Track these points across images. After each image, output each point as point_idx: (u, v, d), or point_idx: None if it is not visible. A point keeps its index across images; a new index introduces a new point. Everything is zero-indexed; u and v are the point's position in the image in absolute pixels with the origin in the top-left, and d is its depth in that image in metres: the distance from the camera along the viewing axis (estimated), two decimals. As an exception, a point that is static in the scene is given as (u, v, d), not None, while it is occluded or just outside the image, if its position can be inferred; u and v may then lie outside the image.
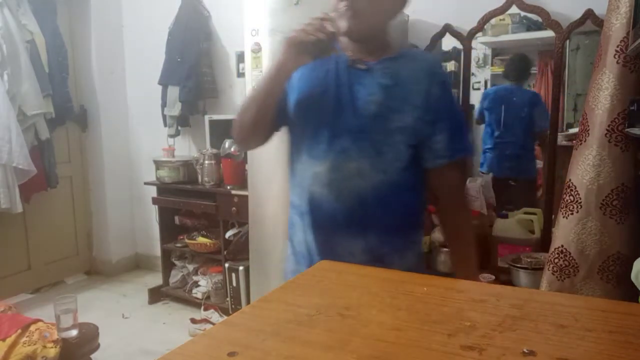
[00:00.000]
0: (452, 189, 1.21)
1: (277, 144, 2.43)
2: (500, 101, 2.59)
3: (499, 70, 2.69)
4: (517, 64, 2.62)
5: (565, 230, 1.63)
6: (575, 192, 1.60)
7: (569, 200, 1.61)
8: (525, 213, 2.25)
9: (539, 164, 2.69)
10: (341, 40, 1.13)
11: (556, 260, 1.64)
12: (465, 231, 1.24)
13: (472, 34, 2.33)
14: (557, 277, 1.65)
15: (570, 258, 1.61)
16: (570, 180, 1.63)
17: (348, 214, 1.11)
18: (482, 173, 2.54)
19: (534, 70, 2.71)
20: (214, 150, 2.88)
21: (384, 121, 1.09)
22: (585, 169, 1.57)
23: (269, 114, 1.14)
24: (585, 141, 1.59)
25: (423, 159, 1.15)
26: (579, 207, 1.58)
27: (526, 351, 0.52)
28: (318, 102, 1.12)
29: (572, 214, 1.60)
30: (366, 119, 1.09)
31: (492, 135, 2.60)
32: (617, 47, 1.49)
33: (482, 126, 2.65)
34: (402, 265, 1.17)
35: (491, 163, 2.58)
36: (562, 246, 1.62)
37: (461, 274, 1.21)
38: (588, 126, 1.58)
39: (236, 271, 2.73)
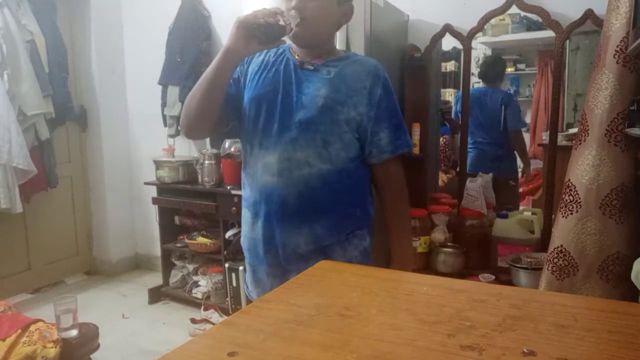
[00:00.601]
0: (396, 181, 1.31)
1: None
2: (474, 103, 2.61)
3: (498, 70, 2.70)
4: (489, 66, 2.64)
5: (565, 230, 1.63)
6: (575, 192, 1.60)
7: (569, 200, 1.61)
8: (525, 213, 2.25)
9: (539, 164, 2.70)
10: (291, 46, 1.25)
11: (555, 260, 1.64)
12: (405, 221, 1.36)
13: (472, 34, 2.33)
14: (556, 276, 1.65)
15: (570, 258, 1.61)
16: (569, 180, 1.63)
17: (297, 201, 1.19)
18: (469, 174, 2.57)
19: (533, 69, 2.72)
20: (214, 150, 2.88)
21: (330, 113, 1.18)
22: (585, 169, 1.57)
23: (215, 101, 1.20)
24: (584, 141, 1.59)
25: (369, 155, 1.26)
26: (579, 207, 1.58)
27: (526, 351, 0.52)
28: (269, 99, 1.21)
29: (571, 213, 1.60)
30: (313, 111, 1.18)
31: (470, 137, 2.64)
32: (617, 47, 1.49)
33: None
34: (344, 259, 1.25)
35: (472, 163, 2.60)
36: (562, 246, 1.63)
37: (398, 260, 1.31)
38: (587, 126, 1.58)
39: (236, 271, 2.73)
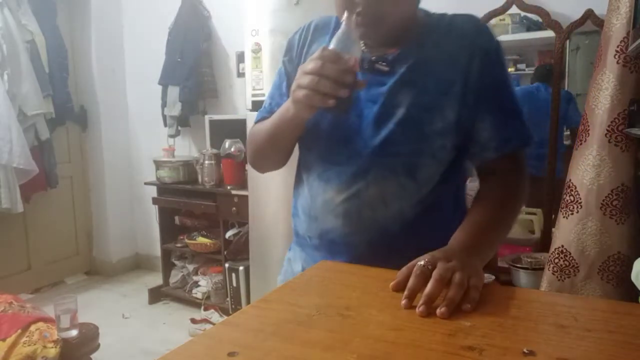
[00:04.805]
0: (504, 188, 0.89)
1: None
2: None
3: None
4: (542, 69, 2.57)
5: (566, 231, 1.63)
6: (576, 192, 1.60)
7: (569, 201, 1.61)
8: (526, 213, 2.25)
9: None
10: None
11: (556, 261, 1.64)
12: (504, 221, 0.88)
13: (472, 34, 2.33)
14: (557, 277, 1.65)
15: (571, 258, 1.61)
16: (570, 180, 1.63)
17: (367, 250, 0.87)
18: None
19: (533, 69, 2.71)
20: (214, 151, 2.88)
21: (415, 125, 0.84)
22: (585, 169, 1.57)
23: (283, 152, 0.97)
24: (585, 141, 1.59)
25: (472, 157, 0.90)
26: (579, 207, 1.59)
27: (526, 351, 0.52)
28: (328, 116, 0.88)
29: (572, 214, 1.60)
30: (391, 127, 0.84)
31: None
32: (617, 47, 1.49)
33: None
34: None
35: None
36: (563, 246, 1.63)
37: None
38: (588, 126, 1.58)
39: (236, 271, 2.73)
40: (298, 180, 0.99)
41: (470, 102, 0.84)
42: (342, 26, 0.77)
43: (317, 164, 0.92)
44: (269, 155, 0.99)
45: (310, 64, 0.75)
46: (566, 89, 2.42)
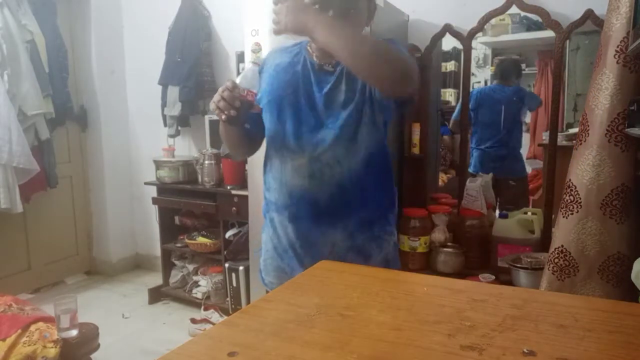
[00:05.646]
0: None
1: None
2: (484, 101, 2.60)
3: (499, 70, 2.69)
4: (504, 68, 2.63)
5: (565, 230, 1.63)
6: (575, 192, 1.60)
7: (569, 200, 1.61)
8: (526, 213, 2.25)
9: (539, 164, 2.69)
10: (311, 46, 1.23)
11: (556, 260, 1.64)
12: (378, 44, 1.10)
13: (472, 34, 2.33)
14: (557, 277, 1.65)
15: (571, 258, 1.61)
16: (570, 180, 1.63)
17: (330, 202, 1.19)
18: (470, 173, 2.55)
19: (533, 69, 2.71)
20: (214, 150, 2.88)
21: (354, 105, 1.17)
22: (585, 169, 1.57)
23: (241, 141, 1.30)
24: (585, 141, 1.59)
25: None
26: (579, 207, 1.59)
27: (526, 351, 0.52)
28: (290, 101, 1.20)
29: (572, 214, 1.60)
30: (339, 109, 1.17)
31: (474, 135, 2.63)
32: (617, 47, 1.49)
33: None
34: (380, 255, 1.26)
35: (476, 163, 2.60)
36: (562, 246, 1.63)
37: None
38: (588, 126, 1.58)
39: (236, 271, 2.73)
40: (267, 158, 1.28)
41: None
42: (249, 66, 1.19)
43: (284, 139, 1.21)
44: (230, 146, 1.34)
45: (220, 89, 1.12)
46: (566, 89, 2.42)
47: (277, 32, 1.13)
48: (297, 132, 1.19)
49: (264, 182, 1.30)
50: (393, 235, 1.31)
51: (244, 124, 1.24)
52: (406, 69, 1.07)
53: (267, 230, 1.33)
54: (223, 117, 1.12)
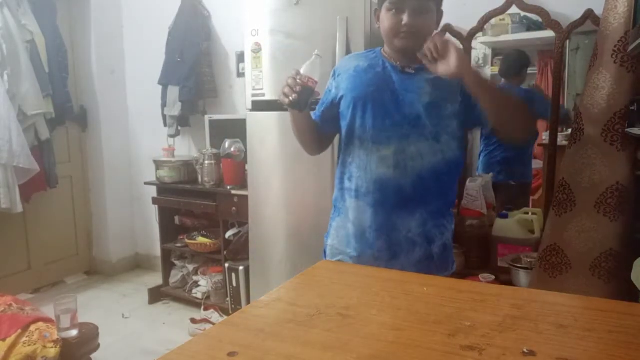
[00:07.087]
0: None
1: (275, 145, 2.42)
2: None
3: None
4: (511, 61, 2.59)
5: (558, 228, 1.63)
6: (569, 191, 1.60)
7: (562, 199, 1.61)
8: (526, 213, 2.25)
9: (539, 164, 2.69)
10: (387, 51, 1.36)
11: (548, 258, 1.64)
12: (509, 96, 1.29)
13: (472, 34, 2.33)
14: (549, 274, 1.65)
15: (563, 256, 1.61)
16: (563, 179, 1.63)
17: (411, 190, 1.30)
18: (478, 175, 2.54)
19: (533, 69, 2.71)
20: (214, 150, 2.88)
21: (437, 109, 1.29)
22: (580, 167, 1.57)
23: (310, 132, 1.43)
24: (579, 140, 1.59)
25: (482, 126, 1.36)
26: (573, 205, 1.59)
27: (526, 351, 0.52)
28: (374, 98, 1.31)
29: (565, 212, 1.61)
30: (421, 108, 1.28)
31: (481, 138, 2.62)
32: (615, 46, 1.49)
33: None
34: (441, 241, 1.36)
35: (483, 166, 2.59)
36: (555, 244, 1.63)
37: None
38: (582, 125, 1.58)
39: (236, 271, 2.73)
40: (349, 150, 1.38)
41: (470, 103, 1.28)
42: (313, 58, 1.26)
43: (369, 132, 1.32)
44: (299, 136, 1.44)
45: (286, 77, 1.26)
46: (566, 89, 2.42)
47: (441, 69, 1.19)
48: (382, 126, 1.30)
49: (343, 172, 1.40)
50: (452, 224, 1.42)
51: (307, 109, 1.32)
52: (530, 128, 1.28)
53: (337, 218, 1.43)
54: (287, 101, 1.23)
